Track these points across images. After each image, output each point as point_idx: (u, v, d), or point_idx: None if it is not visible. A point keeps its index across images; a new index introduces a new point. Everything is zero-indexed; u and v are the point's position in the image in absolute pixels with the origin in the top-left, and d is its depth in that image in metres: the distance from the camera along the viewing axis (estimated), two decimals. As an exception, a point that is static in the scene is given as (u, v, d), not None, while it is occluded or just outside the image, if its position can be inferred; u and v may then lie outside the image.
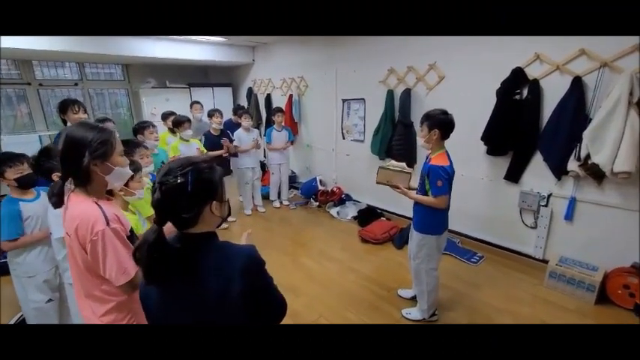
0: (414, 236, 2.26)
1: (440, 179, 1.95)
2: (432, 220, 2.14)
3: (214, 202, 0.87)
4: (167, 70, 6.07)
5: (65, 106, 2.66)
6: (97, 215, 1.02)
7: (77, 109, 2.70)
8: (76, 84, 5.54)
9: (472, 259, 3.13)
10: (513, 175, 2.99)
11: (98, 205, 1.05)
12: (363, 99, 4.21)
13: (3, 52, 4.48)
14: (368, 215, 4.02)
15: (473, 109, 3.15)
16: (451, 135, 3.23)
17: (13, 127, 5.11)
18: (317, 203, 4.71)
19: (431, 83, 3.45)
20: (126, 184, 1.42)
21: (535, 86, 2.72)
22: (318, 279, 2.88)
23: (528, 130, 2.78)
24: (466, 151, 3.25)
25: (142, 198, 1.53)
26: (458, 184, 3.33)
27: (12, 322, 2.28)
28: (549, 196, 2.80)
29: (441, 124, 1.99)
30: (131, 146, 1.91)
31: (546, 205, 2.82)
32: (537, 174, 2.85)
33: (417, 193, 2.19)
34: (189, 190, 0.81)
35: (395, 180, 2.20)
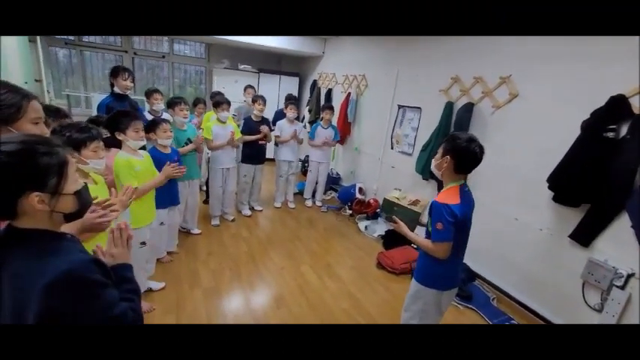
0: (411, 284, 1.83)
1: (440, 221, 1.50)
2: (434, 269, 1.68)
3: (37, 192, 0.71)
4: (243, 53, 6.33)
5: (116, 72, 2.86)
6: None
7: (126, 77, 2.88)
8: (163, 57, 6.14)
9: (502, 326, 2.49)
10: (583, 235, 2.26)
11: None
12: (419, 108, 3.72)
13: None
14: (395, 238, 3.56)
15: (546, 140, 2.48)
16: (512, 167, 2.68)
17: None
18: (350, 212, 4.39)
19: (500, 100, 2.83)
20: (79, 152, 1.38)
21: (641, 124, 1.97)
22: (309, 295, 2.62)
23: (617, 180, 2.04)
24: (528, 191, 2.61)
25: (99, 168, 1.48)
26: (508, 229, 2.73)
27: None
28: (630, 276, 2.03)
29: (458, 152, 1.52)
30: (128, 119, 1.89)
31: (623, 288, 2.06)
32: (617, 242, 2.09)
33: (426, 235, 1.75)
34: None
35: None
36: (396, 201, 1.85)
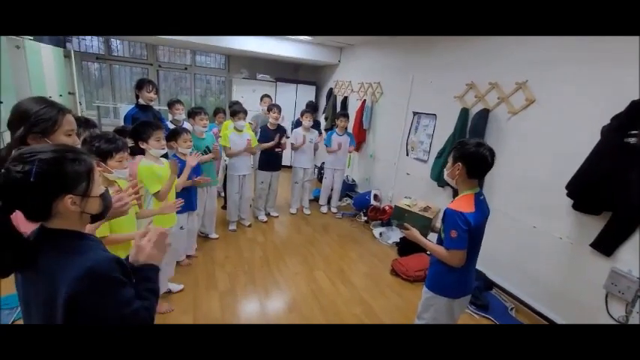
0: (423, 292, 1.83)
1: (455, 229, 1.50)
2: (445, 277, 1.68)
3: (70, 195, 0.79)
4: (261, 63, 6.52)
5: (141, 85, 3.02)
6: None
7: (150, 89, 3.04)
8: (185, 68, 6.41)
9: (520, 337, 2.42)
10: (605, 244, 2.18)
11: None
12: (434, 114, 3.71)
13: (138, 37, 5.47)
14: (410, 245, 3.52)
15: (564, 146, 2.43)
16: (530, 174, 2.63)
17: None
18: (365, 218, 4.40)
19: (516, 107, 2.79)
20: (104, 162, 1.49)
21: (664, 129, 1.90)
22: (322, 300, 2.64)
23: (640, 188, 1.97)
24: (546, 198, 2.54)
25: (123, 177, 1.59)
26: (527, 237, 2.67)
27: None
28: (656, 287, 1.94)
29: (468, 157, 1.52)
30: (150, 129, 2.01)
31: (648, 300, 1.97)
32: (642, 252, 2.01)
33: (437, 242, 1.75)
34: (32, 180, 0.74)
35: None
36: (406, 208, 1.87)
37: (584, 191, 2.24)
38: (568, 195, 2.30)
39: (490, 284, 2.93)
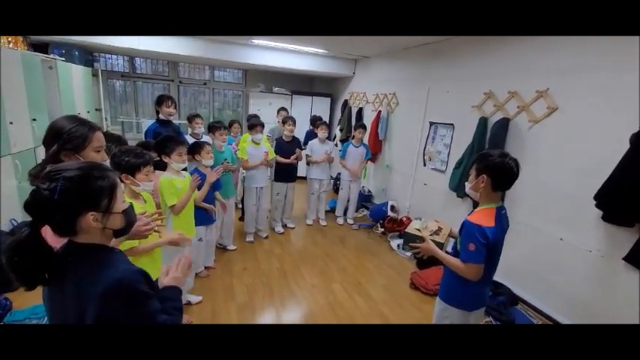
0: (436, 303, 1.78)
1: (473, 242, 1.46)
2: (460, 289, 1.63)
3: (92, 212, 0.81)
4: (276, 76, 6.66)
5: (161, 100, 3.14)
6: None
7: (170, 104, 3.15)
8: (204, 83, 6.62)
9: (550, 356, 2.30)
10: (640, 258, 2.06)
11: None
12: (452, 124, 3.66)
13: (161, 54, 5.70)
14: (430, 257, 3.44)
15: (591, 155, 2.34)
16: (554, 184, 2.54)
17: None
18: (382, 229, 4.34)
19: (537, 115, 2.72)
20: (133, 176, 1.55)
21: (700, 136, 1.81)
22: (339, 313, 2.60)
23: (676, 198, 1.87)
24: (573, 209, 2.45)
25: (148, 190, 1.64)
26: (554, 250, 2.57)
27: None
28: (699, 305, 1.81)
29: (494, 169, 1.48)
30: (173, 143, 2.08)
31: (691, 318, 1.84)
32: (682, 267, 1.89)
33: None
34: (56, 198, 0.77)
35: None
36: (417, 233, 1.84)
37: (614, 202, 2.14)
38: (597, 206, 2.20)
39: (515, 299, 2.81)
